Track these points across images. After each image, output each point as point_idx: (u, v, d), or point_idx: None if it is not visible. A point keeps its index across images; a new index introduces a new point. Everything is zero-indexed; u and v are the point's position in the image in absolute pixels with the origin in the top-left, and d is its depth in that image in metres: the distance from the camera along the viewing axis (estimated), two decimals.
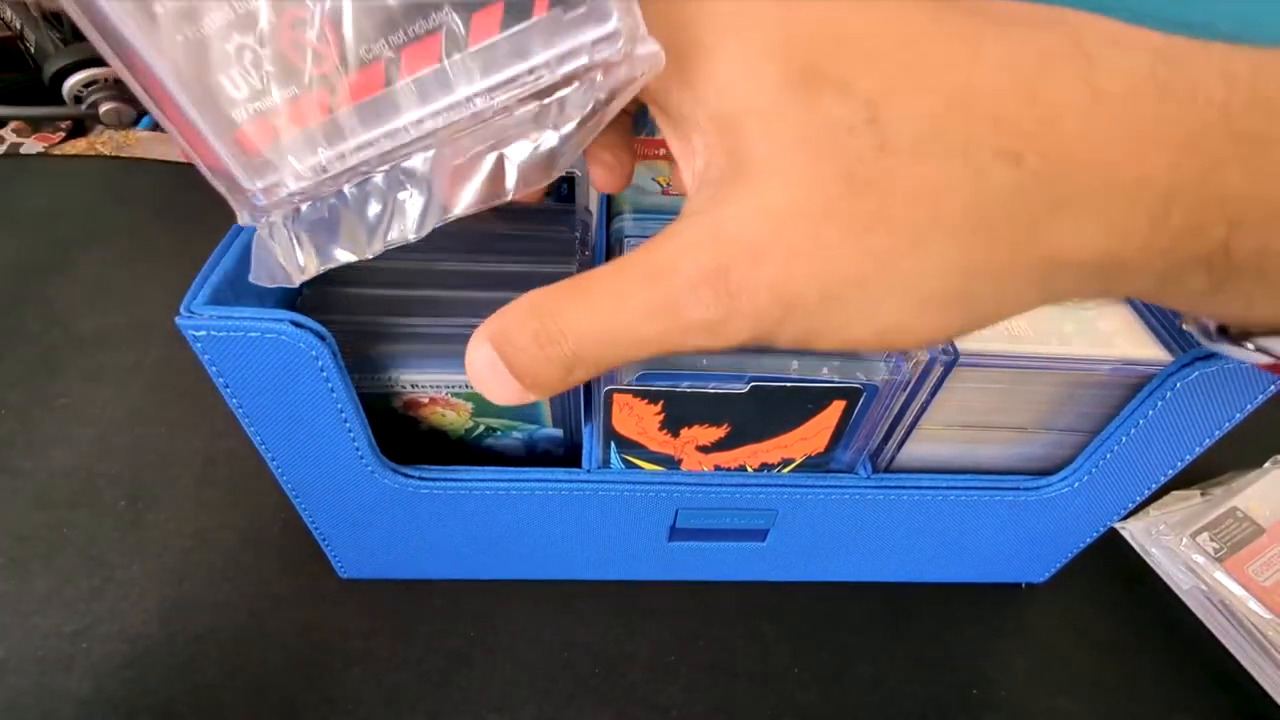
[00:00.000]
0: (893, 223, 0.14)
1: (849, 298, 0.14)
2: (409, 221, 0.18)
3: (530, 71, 0.15)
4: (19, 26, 0.66)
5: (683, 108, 0.15)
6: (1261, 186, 0.13)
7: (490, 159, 0.16)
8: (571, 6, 0.14)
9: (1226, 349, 0.17)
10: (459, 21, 0.14)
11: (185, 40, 0.15)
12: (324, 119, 0.16)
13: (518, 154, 0.16)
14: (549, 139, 0.16)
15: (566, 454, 0.33)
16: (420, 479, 0.29)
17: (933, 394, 0.27)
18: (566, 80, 0.15)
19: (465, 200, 0.17)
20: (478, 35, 0.14)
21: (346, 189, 0.17)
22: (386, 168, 0.17)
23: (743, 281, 0.14)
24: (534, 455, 0.34)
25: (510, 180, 0.16)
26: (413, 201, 0.17)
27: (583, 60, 0.14)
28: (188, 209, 0.60)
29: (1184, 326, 0.25)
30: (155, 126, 0.70)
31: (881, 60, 0.13)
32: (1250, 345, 0.17)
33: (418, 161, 0.17)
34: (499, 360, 0.17)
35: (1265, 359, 0.17)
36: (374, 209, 0.18)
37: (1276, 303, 0.15)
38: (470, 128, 0.16)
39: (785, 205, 0.14)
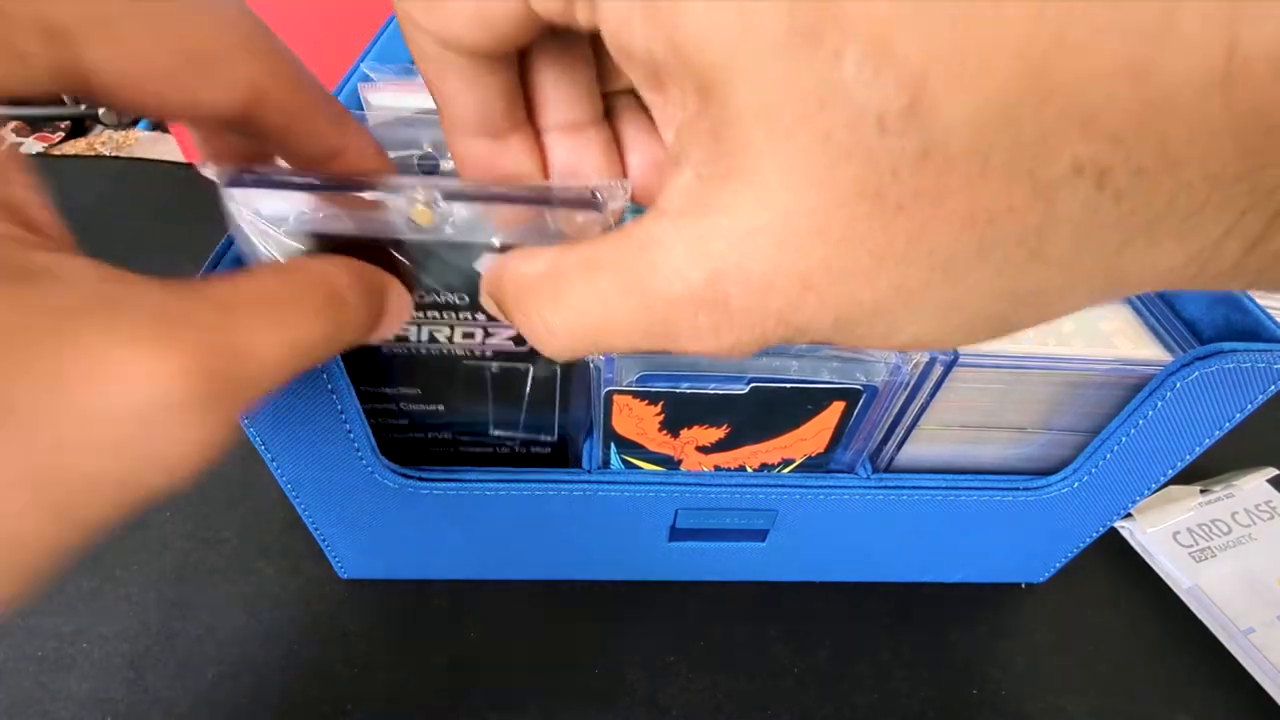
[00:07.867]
0: (931, 256, 0.11)
1: (868, 323, 0.12)
2: None
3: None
4: None
5: (652, 48, 0.11)
6: None
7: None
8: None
9: None
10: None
11: None
12: None
13: None
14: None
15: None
16: (420, 479, 0.29)
17: (933, 394, 0.27)
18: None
19: None
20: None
21: None
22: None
23: (746, 309, 0.12)
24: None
25: None
26: None
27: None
28: (187, 209, 0.59)
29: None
30: (154, 126, 0.70)
31: (927, 7, 0.09)
32: None
33: None
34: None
35: None
36: None
37: None
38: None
39: (791, 223, 0.11)
